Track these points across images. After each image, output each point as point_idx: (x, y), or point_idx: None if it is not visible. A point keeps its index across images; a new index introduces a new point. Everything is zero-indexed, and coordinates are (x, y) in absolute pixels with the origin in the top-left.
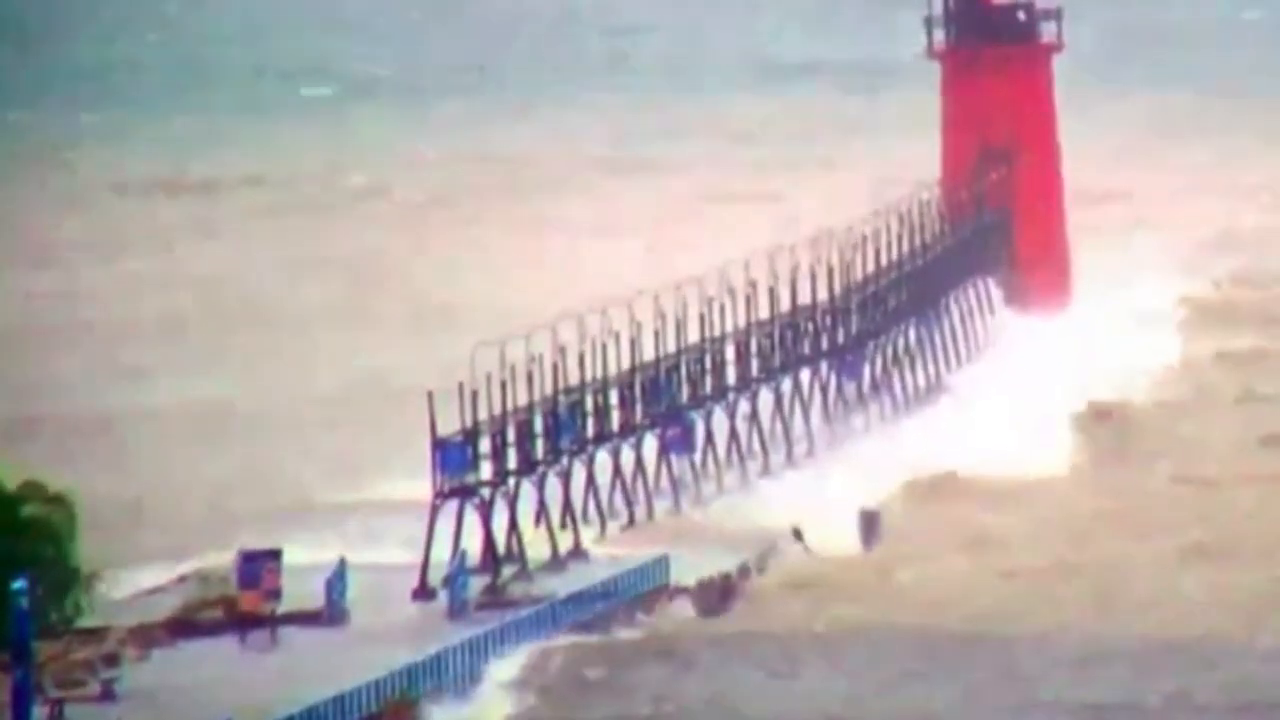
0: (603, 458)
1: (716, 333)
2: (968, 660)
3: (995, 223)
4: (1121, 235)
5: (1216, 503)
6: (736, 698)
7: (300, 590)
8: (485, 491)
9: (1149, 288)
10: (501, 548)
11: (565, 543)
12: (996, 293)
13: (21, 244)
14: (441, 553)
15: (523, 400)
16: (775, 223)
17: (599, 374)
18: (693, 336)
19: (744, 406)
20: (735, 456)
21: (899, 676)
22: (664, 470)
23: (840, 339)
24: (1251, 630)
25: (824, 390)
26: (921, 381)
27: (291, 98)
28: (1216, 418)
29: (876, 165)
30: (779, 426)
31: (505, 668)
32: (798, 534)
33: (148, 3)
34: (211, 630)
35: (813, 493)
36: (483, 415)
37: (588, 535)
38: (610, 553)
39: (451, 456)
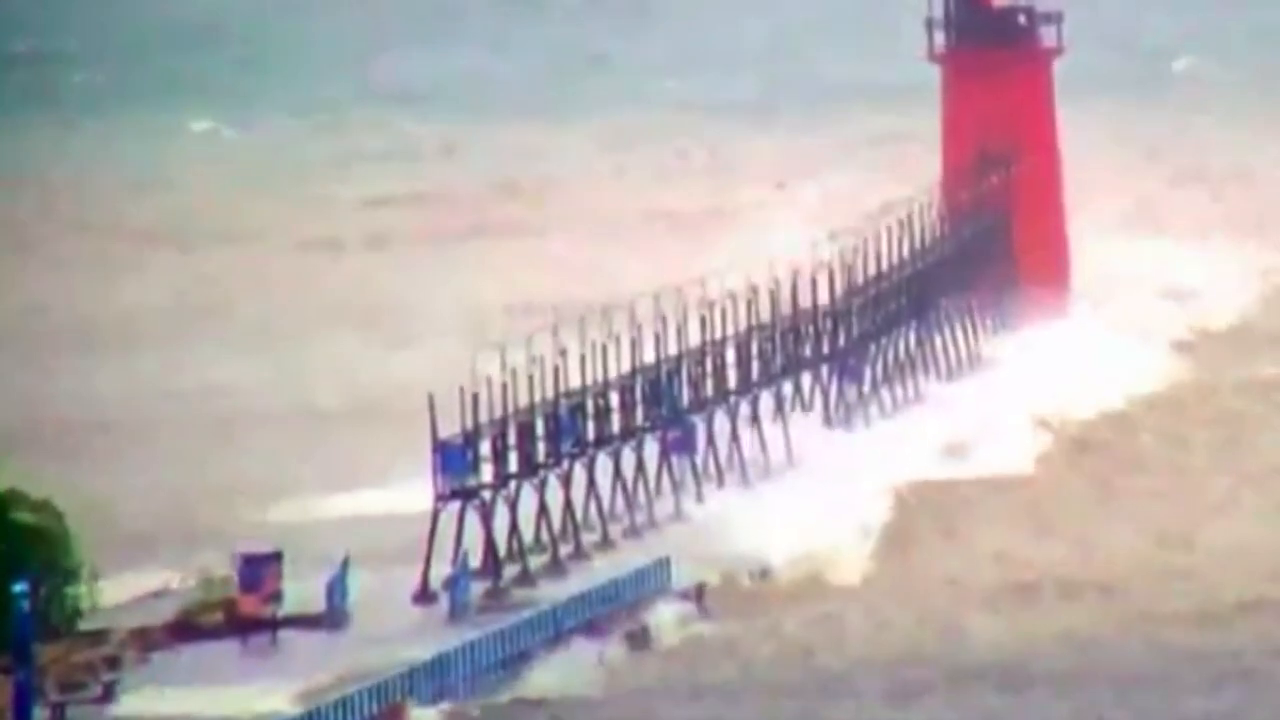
0: (603, 461)
1: (717, 335)
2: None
3: (995, 226)
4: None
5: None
6: None
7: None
8: (486, 494)
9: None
10: (502, 550)
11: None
12: (992, 303)
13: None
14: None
15: (524, 403)
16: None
17: (600, 377)
18: (694, 339)
19: (744, 409)
20: (736, 459)
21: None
22: (665, 473)
23: (841, 342)
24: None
25: (825, 393)
26: (921, 384)
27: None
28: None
29: None
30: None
31: None
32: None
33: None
34: (212, 633)
35: (813, 498)
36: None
37: (589, 538)
38: (611, 556)
39: (452, 459)
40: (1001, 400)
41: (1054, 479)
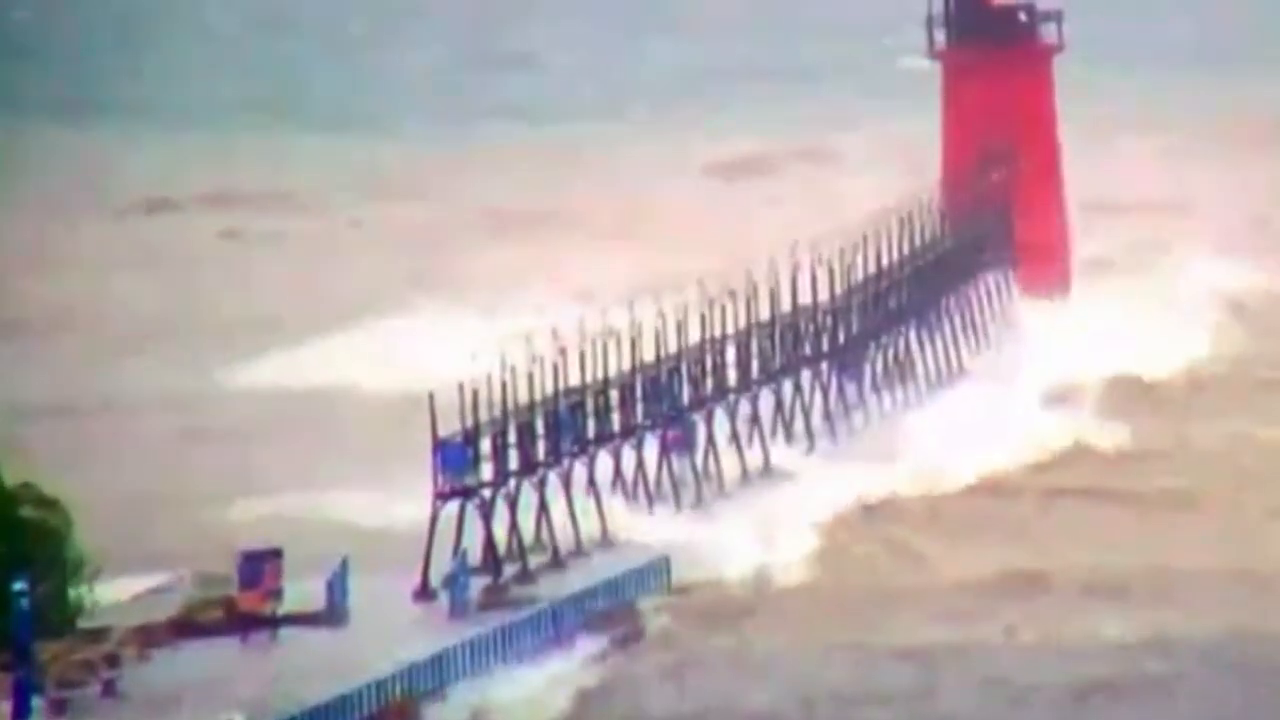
0: (603, 458)
1: (717, 333)
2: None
3: (996, 224)
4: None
5: None
6: None
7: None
8: (486, 492)
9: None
10: (502, 549)
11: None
12: (992, 303)
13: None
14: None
15: (523, 401)
16: None
17: (600, 374)
18: (693, 337)
19: (745, 408)
20: (737, 458)
21: None
22: (665, 471)
23: (841, 340)
24: None
25: (825, 391)
26: (921, 385)
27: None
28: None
29: None
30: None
31: None
32: None
33: None
34: (212, 630)
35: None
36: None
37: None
38: (610, 554)
39: (452, 457)
40: (992, 405)
41: (1026, 495)
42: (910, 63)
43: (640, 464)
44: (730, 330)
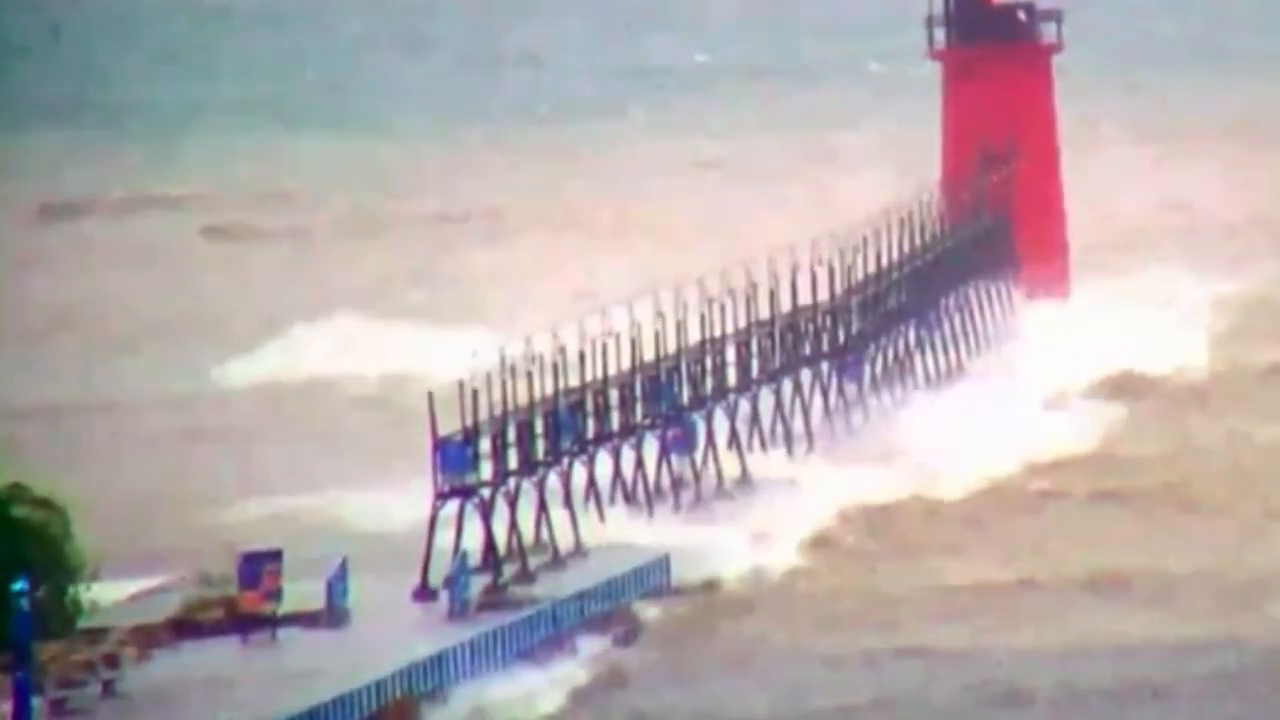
0: (603, 458)
1: (717, 333)
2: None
3: (995, 224)
4: None
5: None
6: None
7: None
8: (485, 492)
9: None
10: (502, 548)
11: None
12: (991, 303)
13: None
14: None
15: (523, 400)
16: None
17: (599, 374)
18: (693, 337)
19: (744, 407)
20: (736, 457)
21: None
22: (664, 471)
23: (841, 340)
24: None
25: (824, 391)
26: (921, 385)
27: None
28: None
29: None
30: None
31: None
32: None
33: None
34: (212, 631)
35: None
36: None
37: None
38: (610, 554)
39: (451, 456)
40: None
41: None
42: (877, 67)
43: (640, 464)
44: (730, 330)
